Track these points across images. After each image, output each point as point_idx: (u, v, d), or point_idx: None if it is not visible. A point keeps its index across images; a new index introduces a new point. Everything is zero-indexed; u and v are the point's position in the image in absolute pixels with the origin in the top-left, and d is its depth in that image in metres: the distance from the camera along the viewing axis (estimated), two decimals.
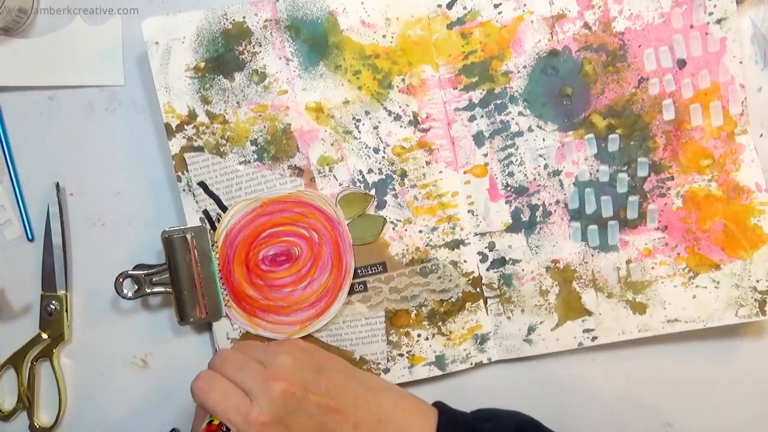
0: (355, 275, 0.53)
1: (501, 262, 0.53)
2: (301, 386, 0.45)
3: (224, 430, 0.45)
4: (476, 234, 0.54)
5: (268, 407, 0.44)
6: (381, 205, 0.53)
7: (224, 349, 0.50)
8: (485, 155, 0.53)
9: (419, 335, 0.54)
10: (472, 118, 0.53)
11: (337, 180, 0.53)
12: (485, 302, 0.54)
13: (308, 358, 0.48)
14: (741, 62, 0.50)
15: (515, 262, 0.53)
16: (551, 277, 0.53)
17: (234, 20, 0.52)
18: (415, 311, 0.54)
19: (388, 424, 0.47)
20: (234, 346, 0.52)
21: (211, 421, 0.46)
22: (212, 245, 0.53)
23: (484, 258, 0.54)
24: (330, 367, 0.49)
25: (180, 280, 0.52)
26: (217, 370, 0.47)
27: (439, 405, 0.50)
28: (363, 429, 0.46)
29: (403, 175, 0.53)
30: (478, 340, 0.54)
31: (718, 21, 0.50)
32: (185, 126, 0.53)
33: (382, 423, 0.47)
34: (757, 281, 0.51)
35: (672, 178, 0.52)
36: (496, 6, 0.52)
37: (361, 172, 0.53)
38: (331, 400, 0.46)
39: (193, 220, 0.53)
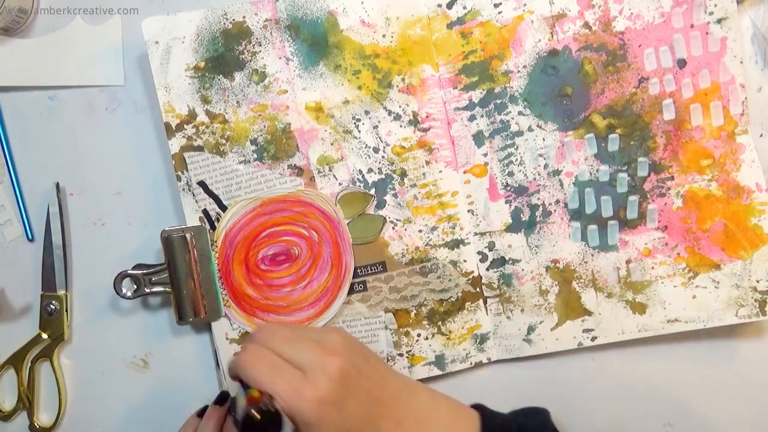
0: (355, 275, 0.53)
1: (501, 261, 0.53)
2: (355, 367, 0.42)
3: (266, 404, 0.39)
4: (476, 234, 0.53)
5: (325, 383, 0.40)
6: (381, 204, 0.53)
7: (270, 323, 0.46)
8: (485, 155, 0.53)
9: (419, 335, 0.54)
10: (472, 118, 0.53)
11: (336, 179, 0.53)
12: (485, 302, 0.54)
13: (355, 342, 0.45)
14: (741, 62, 0.50)
15: (515, 261, 0.53)
16: (551, 277, 0.53)
17: (234, 20, 0.52)
18: (414, 311, 0.54)
19: (427, 425, 0.44)
20: (276, 324, 0.48)
21: (252, 394, 0.40)
22: (212, 245, 0.53)
23: (483, 258, 0.54)
24: (373, 356, 0.46)
25: (179, 280, 0.52)
26: (263, 345, 0.43)
27: (479, 408, 0.47)
28: (405, 428, 0.43)
29: (403, 174, 0.53)
30: (478, 340, 0.54)
31: (719, 20, 0.50)
32: (185, 125, 0.53)
33: (420, 423, 0.44)
34: (758, 281, 0.51)
35: (672, 178, 0.52)
36: (496, 6, 0.52)
37: (360, 171, 0.53)
38: (380, 391, 0.43)
39: (193, 219, 0.53)
